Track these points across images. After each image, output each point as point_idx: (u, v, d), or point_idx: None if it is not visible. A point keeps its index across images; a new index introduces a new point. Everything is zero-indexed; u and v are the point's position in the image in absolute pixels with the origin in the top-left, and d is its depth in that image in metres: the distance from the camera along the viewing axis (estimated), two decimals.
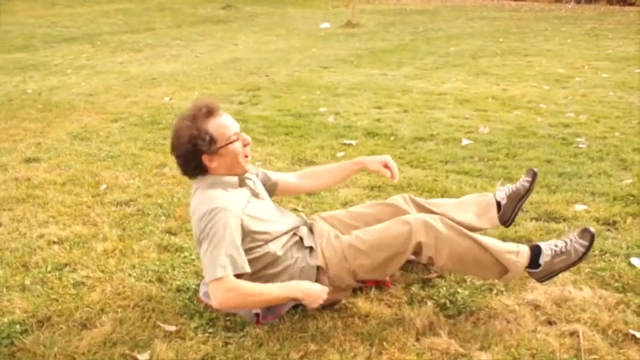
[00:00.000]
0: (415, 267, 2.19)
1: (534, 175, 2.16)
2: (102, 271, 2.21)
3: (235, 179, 1.90)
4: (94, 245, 2.43)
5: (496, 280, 2.03)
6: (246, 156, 1.89)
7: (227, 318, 1.90)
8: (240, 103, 5.37)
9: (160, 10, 15.39)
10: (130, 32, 11.15)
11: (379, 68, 7.23)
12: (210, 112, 1.83)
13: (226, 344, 1.76)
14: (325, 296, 1.78)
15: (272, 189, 2.14)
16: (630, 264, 2.23)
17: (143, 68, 7.45)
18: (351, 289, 1.99)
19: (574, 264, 1.89)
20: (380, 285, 2.08)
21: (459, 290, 2.04)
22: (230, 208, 1.78)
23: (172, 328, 1.83)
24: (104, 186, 3.15)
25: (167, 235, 2.54)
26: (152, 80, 6.55)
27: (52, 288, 2.09)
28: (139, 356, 1.69)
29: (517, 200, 2.16)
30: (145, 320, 1.88)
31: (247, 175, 1.98)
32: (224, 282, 1.68)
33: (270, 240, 1.87)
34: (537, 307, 1.96)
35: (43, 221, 2.70)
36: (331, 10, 15.52)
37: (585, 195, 2.94)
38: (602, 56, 7.47)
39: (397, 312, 1.95)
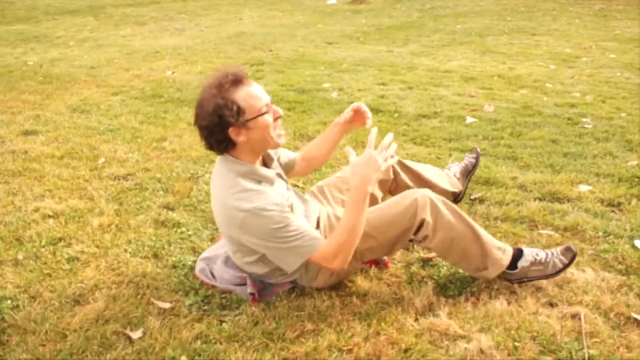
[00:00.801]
0: (417, 246, 2.13)
1: (477, 153, 2.53)
2: (97, 246, 2.14)
3: (272, 174, 1.73)
4: (90, 219, 2.37)
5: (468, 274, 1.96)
6: (279, 130, 1.70)
7: (223, 296, 1.84)
8: None
9: None
10: (135, 5, 10.94)
11: (385, 45, 7.07)
12: (238, 81, 1.61)
13: (221, 322, 1.71)
14: (382, 157, 1.64)
15: (288, 170, 2.03)
16: (634, 246, 2.16)
17: (146, 42, 7.30)
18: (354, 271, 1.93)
19: (548, 276, 1.89)
20: (379, 265, 2.01)
21: (460, 270, 1.98)
22: (279, 201, 1.65)
23: (166, 305, 1.77)
24: (102, 160, 3.07)
25: (165, 210, 2.47)
26: (155, 54, 6.42)
27: (45, 263, 2.03)
28: (131, 334, 1.63)
29: (467, 174, 2.47)
30: (139, 297, 1.82)
31: (274, 162, 1.84)
32: (324, 254, 1.64)
33: None
34: (538, 288, 1.90)
35: (39, 195, 2.63)
36: None
37: (590, 175, 2.85)
38: (610, 37, 7.26)
39: (397, 292, 1.88)
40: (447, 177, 2.36)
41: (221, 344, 1.60)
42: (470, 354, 1.59)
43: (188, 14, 9.86)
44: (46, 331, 1.66)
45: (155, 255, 2.09)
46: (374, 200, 2.03)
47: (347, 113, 2.02)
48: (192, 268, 1.99)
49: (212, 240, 2.20)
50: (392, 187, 2.20)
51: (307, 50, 6.73)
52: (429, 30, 8.02)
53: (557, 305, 1.82)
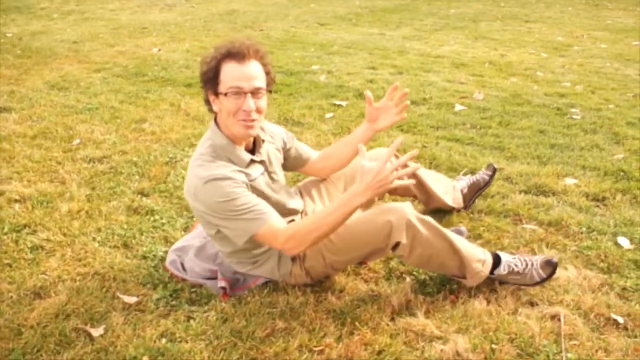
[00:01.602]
0: None
1: (494, 170, 2.33)
2: (64, 234, 2.02)
3: (247, 158, 1.64)
4: (59, 205, 2.24)
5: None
6: (245, 121, 1.56)
7: (193, 290, 1.74)
8: None
9: None
10: None
11: (377, 27, 6.89)
12: (235, 55, 1.54)
13: (189, 318, 1.61)
14: (394, 175, 1.48)
15: (298, 164, 1.93)
16: (616, 244, 2.09)
17: (134, 17, 7.06)
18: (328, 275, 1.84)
19: (525, 285, 1.82)
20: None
21: None
22: (235, 176, 1.56)
23: (132, 300, 1.67)
24: (77, 141, 2.92)
25: (139, 196, 2.35)
26: (143, 30, 6.20)
27: (6, 252, 1.90)
28: (92, 330, 1.53)
29: (476, 190, 2.31)
30: (104, 290, 1.71)
31: (262, 148, 1.73)
32: (272, 233, 1.53)
33: None
34: (519, 287, 1.82)
35: (6, 177, 2.49)
36: None
37: (576, 168, 2.77)
38: (602, 26, 7.14)
39: (374, 288, 1.80)
40: (453, 190, 2.24)
41: (187, 342, 1.51)
42: (445, 356, 1.51)
43: None
44: (0, 327, 1.55)
45: (125, 245, 1.97)
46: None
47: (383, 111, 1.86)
48: (162, 259, 1.89)
49: (186, 229, 2.10)
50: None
51: (298, 31, 6.54)
52: (422, 14, 7.84)
53: (537, 304, 1.75)
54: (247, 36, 1.50)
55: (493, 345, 1.56)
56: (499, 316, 1.68)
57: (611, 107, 3.75)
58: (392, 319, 1.65)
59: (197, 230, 1.97)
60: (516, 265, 1.80)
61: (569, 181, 2.63)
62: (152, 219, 2.15)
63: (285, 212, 1.76)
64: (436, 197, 2.18)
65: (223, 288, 1.70)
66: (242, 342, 1.52)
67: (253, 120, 1.58)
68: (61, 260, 1.87)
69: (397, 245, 1.65)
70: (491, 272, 1.78)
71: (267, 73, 1.62)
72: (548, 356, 1.53)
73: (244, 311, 1.64)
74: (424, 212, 2.25)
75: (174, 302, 1.67)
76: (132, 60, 4.76)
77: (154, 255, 1.91)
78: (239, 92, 1.54)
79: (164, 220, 2.14)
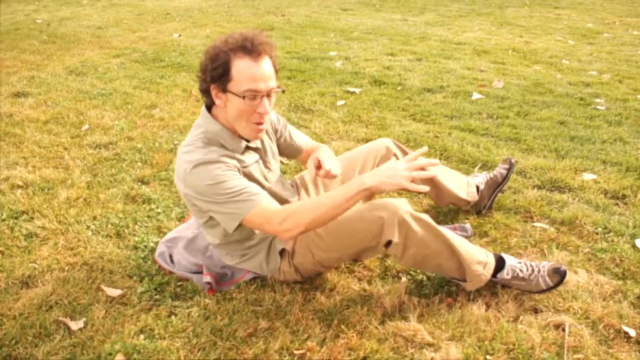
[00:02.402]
0: None
1: (511, 164, 2.11)
2: (60, 222, 1.97)
3: (242, 145, 1.53)
4: (59, 192, 2.18)
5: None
6: (258, 123, 1.46)
7: (179, 284, 1.65)
8: None
9: None
10: None
11: (400, 13, 6.63)
12: (249, 50, 1.40)
13: (170, 314, 1.53)
14: (408, 176, 1.38)
15: (290, 153, 1.81)
16: (634, 246, 1.89)
17: (160, 2, 7.00)
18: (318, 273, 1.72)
19: (529, 291, 1.65)
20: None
21: None
22: (226, 160, 1.46)
23: (116, 292, 1.60)
24: (86, 127, 2.87)
25: (138, 184, 2.27)
26: (166, 16, 6.13)
27: (0, 239, 1.86)
28: (72, 324, 1.46)
29: (495, 187, 2.09)
30: (90, 281, 1.64)
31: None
32: (265, 216, 1.40)
33: None
34: (523, 291, 1.66)
35: (13, 162, 2.45)
36: None
37: (596, 163, 2.55)
38: (636, 12, 6.67)
39: (366, 288, 1.67)
40: (467, 185, 2.04)
41: (165, 340, 1.43)
42: None
43: None
44: None
45: (118, 234, 1.90)
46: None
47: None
48: (153, 250, 1.81)
49: (181, 219, 2.01)
50: None
51: (320, 16, 6.35)
52: (448, 0, 7.51)
53: (541, 311, 1.59)
54: (257, 28, 1.35)
55: (487, 356, 1.41)
56: (497, 323, 1.53)
57: (639, 98, 3.47)
58: (382, 322, 1.52)
59: (191, 221, 1.89)
60: (521, 271, 1.63)
61: (587, 176, 2.42)
62: (148, 207, 2.08)
63: (279, 202, 1.64)
64: (448, 192, 1.97)
65: (208, 283, 1.61)
66: (222, 341, 1.43)
67: (263, 123, 1.48)
68: (53, 249, 1.82)
69: (389, 243, 1.51)
70: (493, 276, 1.63)
71: (277, 70, 1.49)
72: None
73: (228, 308, 1.55)
74: (435, 210, 2.10)
75: (157, 297, 1.59)
76: (152, 45, 4.70)
77: (145, 246, 1.83)
78: (256, 96, 1.42)
79: (159, 210, 2.06)
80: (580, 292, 1.66)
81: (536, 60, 4.41)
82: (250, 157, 1.58)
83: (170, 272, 1.70)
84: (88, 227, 1.94)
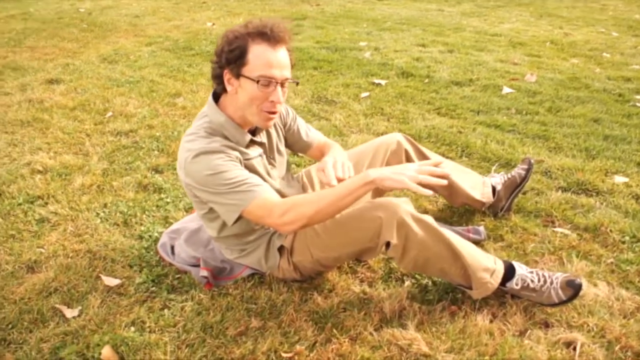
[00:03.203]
0: None
1: (530, 164, 1.96)
2: (72, 208, 1.96)
3: (246, 138, 1.46)
4: (75, 178, 2.19)
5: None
6: (269, 112, 1.39)
7: (177, 276, 1.61)
8: None
9: None
10: None
11: (437, 2, 6.37)
12: (268, 37, 1.34)
13: (164, 307, 1.49)
14: (415, 178, 1.29)
15: (298, 148, 1.73)
16: None
17: None
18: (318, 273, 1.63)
19: (540, 304, 1.51)
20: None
21: None
22: (228, 151, 1.39)
23: (114, 282, 1.57)
24: (109, 114, 2.88)
25: (152, 172, 2.25)
26: (202, 4, 6.12)
27: (14, 223, 1.87)
28: (67, 311, 1.45)
29: (513, 188, 1.94)
30: (91, 269, 1.63)
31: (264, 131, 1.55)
32: (266, 207, 1.32)
33: None
34: (534, 302, 1.52)
35: (37, 148, 2.48)
36: None
37: (630, 165, 2.33)
38: None
39: (367, 291, 1.57)
40: (482, 185, 1.91)
41: (155, 333, 1.39)
42: None
43: None
44: None
45: (125, 223, 1.88)
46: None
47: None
48: (157, 240, 1.77)
49: (189, 210, 1.97)
50: None
51: (354, 6, 6.18)
52: None
53: (552, 326, 1.45)
54: (279, 16, 1.25)
55: None
56: (502, 337, 1.40)
57: None
58: (378, 328, 1.43)
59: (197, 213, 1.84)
60: (532, 281, 1.49)
61: (619, 179, 2.21)
62: (157, 197, 2.05)
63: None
64: (461, 191, 1.84)
65: (205, 277, 1.56)
66: (211, 338, 1.38)
67: (275, 112, 1.40)
68: (61, 235, 1.81)
69: (388, 245, 1.41)
70: (502, 284, 1.50)
71: (292, 65, 1.41)
72: None
73: (222, 304, 1.49)
74: (450, 210, 1.97)
75: (154, 288, 1.56)
76: (185, 34, 4.69)
77: (150, 236, 1.80)
78: (271, 83, 1.35)
79: (168, 200, 2.02)
80: (598, 307, 1.50)
81: (574, 54, 4.11)
82: (254, 151, 1.50)
83: (170, 264, 1.66)
84: (97, 215, 1.93)
